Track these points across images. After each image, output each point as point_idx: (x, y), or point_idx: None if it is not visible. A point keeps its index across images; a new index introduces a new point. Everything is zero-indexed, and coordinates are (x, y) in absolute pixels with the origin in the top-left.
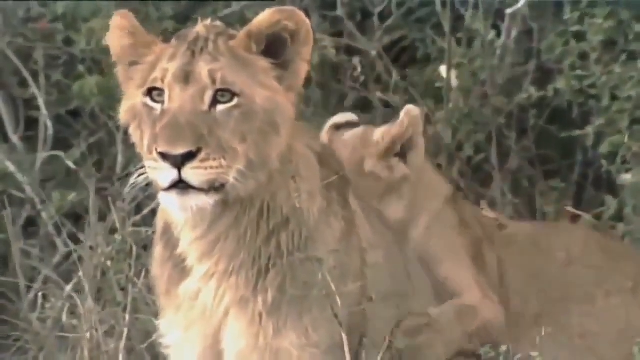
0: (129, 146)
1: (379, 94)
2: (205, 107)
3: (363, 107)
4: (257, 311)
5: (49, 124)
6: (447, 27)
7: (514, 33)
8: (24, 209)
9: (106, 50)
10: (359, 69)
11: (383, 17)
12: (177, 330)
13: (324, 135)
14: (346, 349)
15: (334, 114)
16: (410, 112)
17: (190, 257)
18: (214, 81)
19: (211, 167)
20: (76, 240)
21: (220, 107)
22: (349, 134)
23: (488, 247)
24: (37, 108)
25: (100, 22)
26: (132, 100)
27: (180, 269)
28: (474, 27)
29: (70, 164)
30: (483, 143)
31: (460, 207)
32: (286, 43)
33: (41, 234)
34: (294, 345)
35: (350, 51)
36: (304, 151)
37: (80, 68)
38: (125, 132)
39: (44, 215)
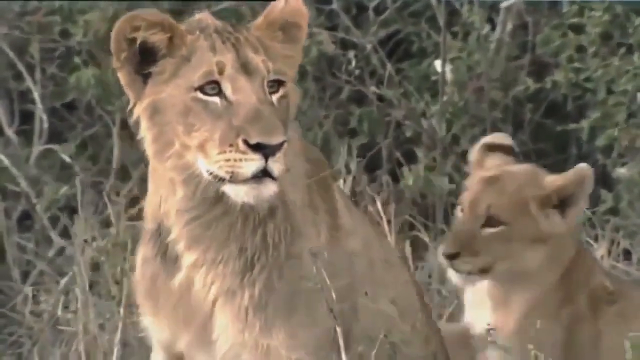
0: (125, 139)
1: (373, 88)
2: (270, 97)
3: (358, 100)
4: (243, 305)
5: (44, 117)
6: (442, 20)
7: (509, 26)
8: (18, 203)
9: (103, 43)
10: (354, 63)
11: (378, 10)
12: (163, 322)
13: (475, 153)
14: (341, 342)
15: (329, 107)
16: (580, 170)
17: (179, 244)
18: (268, 71)
19: (284, 157)
20: (69, 235)
21: (273, 98)
22: (518, 168)
23: (587, 324)
24: (32, 101)
25: (96, 15)
26: (153, 96)
27: (169, 261)
28: (469, 21)
29: (66, 158)
30: (478, 137)
31: (573, 272)
32: (300, 31)
33: (36, 228)
34: (283, 346)
35: (346, 45)
36: (292, 144)
37: (77, 60)
38: (123, 126)
39: (38, 208)
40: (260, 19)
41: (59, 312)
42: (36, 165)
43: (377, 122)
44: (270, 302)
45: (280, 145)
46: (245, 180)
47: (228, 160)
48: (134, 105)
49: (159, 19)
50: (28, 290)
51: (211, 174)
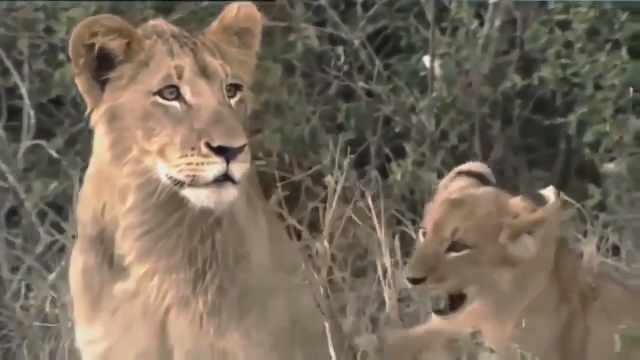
0: None
1: (362, 84)
2: (228, 101)
3: (346, 96)
4: (197, 312)
5: (32, 112)
6: (430, 16)
7: (497, 22)
8: (6, 199)
9: None
10: (343, 58)
11: (366, 6)
12: (114, 332)
13: (446, 179)
14: (329, 336)
15: (317, 103)
16: (554, 204)
17: (129, 256)
18: (226, 75)
19: (248, 160)
20: (59, 230)
21: (232, 101)
22: (483, 192)
23: (579, 321)
24: (20, 97)
25: (79, 11)
26: (111, 101)
27: (116, 271)
28: (457, 17)
29: (53, 153)
30: (467, 132)
31: (562, 270)
32: (253, 37)
33: (24, 224)
34: (239, 346)
35: (334, 40)
36: None
37: (61, 56)
38: None
39: (27, 204)
40: (215, 24)
41: (47, 308)
42: (24, 161)
43: (365, 117)
44: (223, 307)
45: (242, 148)
46: (206, 184)
47: (190, 164)
48: (92, 111)
49: (117, 25)
50: (18, 284)
51: (170, 178)
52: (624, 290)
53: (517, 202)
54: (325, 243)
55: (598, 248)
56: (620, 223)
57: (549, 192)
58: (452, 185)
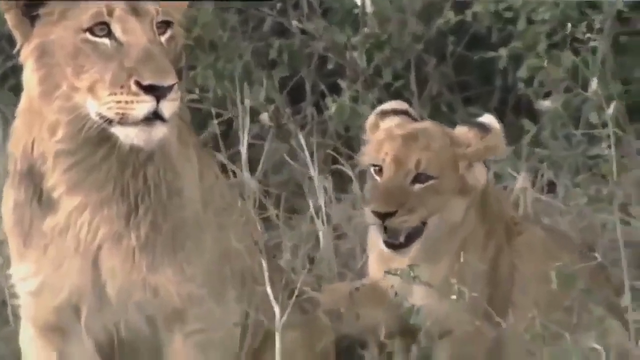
0: None
1: (295, 22)
2: (159, 39)
3: (280, 33)
4: (130, 247)
5: None
6: None
7: None
8: None
9: None
10: None
11: None
12: (47, 268)
13: (371, 118)
14: (265, 273)
15: (250, 39)
16: (497, 129)
17: (59, 189)
18: (157, 12)
19: (178, 99)
20: None
21: (162, 39)
22: (429, 125)
23: (506, 256)
24: None
25: None
26: (41, 37)
27: (45, 205)
28: None
29: None
30: (402, 69)
31: (489, 205)
32: None
33: None
34: (171, 281)
35: None
36: None
37: None
38: None
39: None
40: None
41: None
42: None
43: (298, 54)
44: (157, 242)
45: (172, 86)
46: (135, 123)
47: (119, 102)
48: (21, 46)
49: None
50: None
51: (100, 115)
52: (545, 232)
53: (464, 132)
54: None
55: (533, 184)
56: (555, 159)
57: (490, 119)
58: (387, 123)
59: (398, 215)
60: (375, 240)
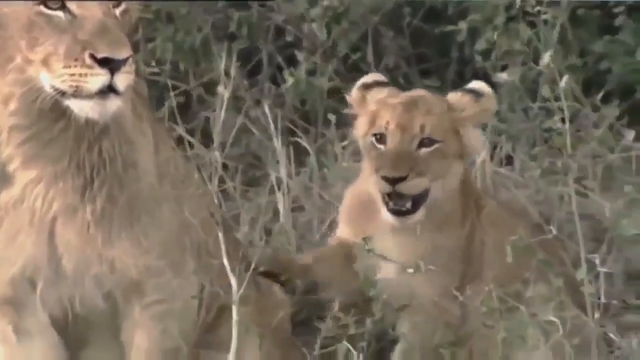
0: None
1: None
2: (114, 11)
3: (238, 5)
4: (85, 220)
5: None
6: None
7: None
8: None
9: None
10: None
11: None
12: (2, 241)
13: (355, 92)
14: (222, 245)
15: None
16: (489, 92)
17: (14, 162)
18: None
19: (132, 72)
20: None
21: (116, 11)
22: (423, 92)
23: (478, 230)
24: None
25: None
26: None
27: (0, 179)
28: None
29: None
30: (359, 41)
31: (467, 180)
32: None
33: None
34: (128, 254)
35: None
36: None
37: None
38: None
39: None
40: None
41: None
42: None
43: (256, 26)
44: (113, 215)
45: (126, 59)
46: (90, 96)
47: (73, 74)
48: None
49: None
50: None
51: (54, 88)
52: (498, 205)
53: (458, 97)
54: (217, 152)
55: (491, 157)
56: (513, 132)
57: (480, 85)
58: (375, 95)
59: (409, 179)
60: (374, 212)
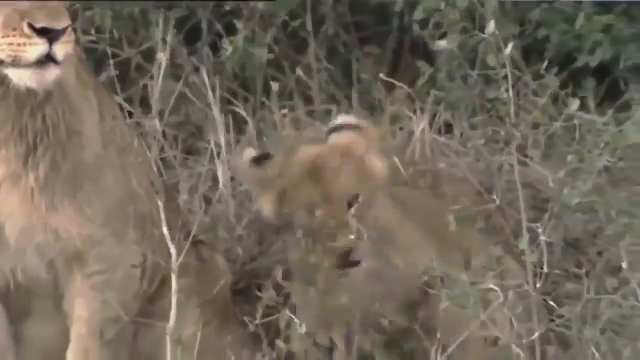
0: None
1: None
2: None
3: None
4: (28, 187)
5: None
6: None
7: None
8: None
9: None
10: None
11: None
12: None
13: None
14: (162, 214)
15: None
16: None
17: None
18: None
19: (71, 41)
20: None
21: None
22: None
23: None
24: None
25: None
26: None
27: None
28: None
29: None
30: (298, 9)
31: None
32: None
33: None
34: (71, 222)
35: None
36: None
37: None
38: None
39: None
40: None
41: None
42: None
43: None
44: (56, 182)
45: (65, 29)
46: (28, 65)
47: (11, 44)
48: None
49: None
50: None
51: None
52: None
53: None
54: (156, 120)
55: (430, 126)
56: (452, 100)
57: (345, 118)
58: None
59: None
60: None
